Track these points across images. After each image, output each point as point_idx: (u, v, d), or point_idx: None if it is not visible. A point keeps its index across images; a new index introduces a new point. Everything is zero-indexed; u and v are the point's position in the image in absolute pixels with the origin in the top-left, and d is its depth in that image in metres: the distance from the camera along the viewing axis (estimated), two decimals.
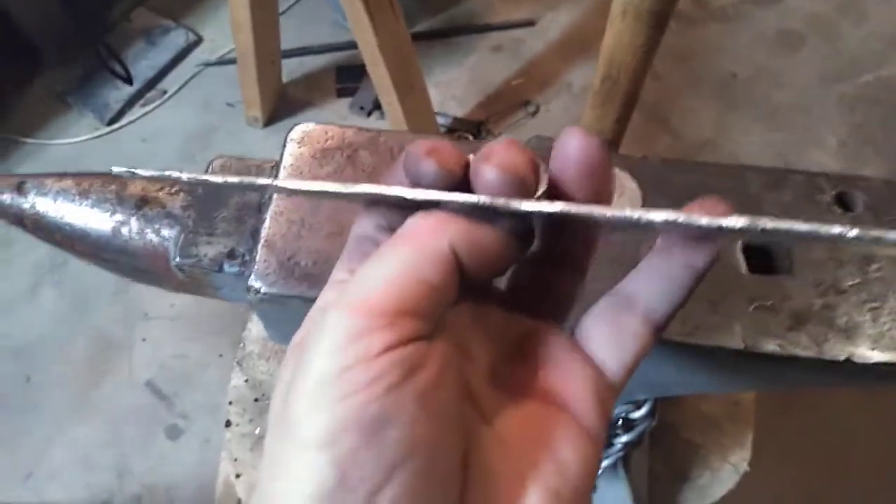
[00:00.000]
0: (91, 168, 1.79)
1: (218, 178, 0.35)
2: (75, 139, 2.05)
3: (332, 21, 2.18)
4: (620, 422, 0.65)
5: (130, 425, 1.71)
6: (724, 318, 0.48)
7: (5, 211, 0.56)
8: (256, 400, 0.84)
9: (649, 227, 0.29)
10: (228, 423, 0.84)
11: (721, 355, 0.48)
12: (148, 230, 0.54)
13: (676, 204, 0.53)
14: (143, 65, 2.12)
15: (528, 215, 0.30)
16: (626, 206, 0.52)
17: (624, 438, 0.65)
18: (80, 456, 1.68)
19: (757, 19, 2.23)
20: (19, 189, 0.56)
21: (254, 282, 0.50)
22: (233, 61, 2.06)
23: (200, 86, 2.15)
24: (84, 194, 0.55)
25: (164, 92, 2.12)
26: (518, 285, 0.37)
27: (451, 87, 2.12)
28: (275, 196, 0.53)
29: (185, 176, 0.35)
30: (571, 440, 0.31)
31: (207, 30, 2.23)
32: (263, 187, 0.35)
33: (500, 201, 0.29)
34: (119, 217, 0.55)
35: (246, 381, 0.86)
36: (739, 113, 2.06)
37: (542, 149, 0.56)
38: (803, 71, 2.13)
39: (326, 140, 0.55)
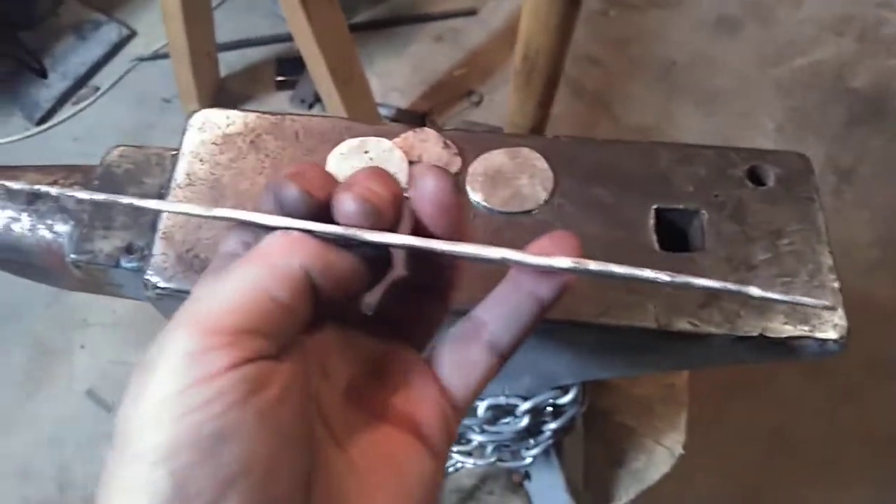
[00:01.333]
0: None
1: (84, 194, 0.33)
2: (3, 140, 1.98)
3: (271, 12, 2.14)
4: (549, 409, 0.64)
5: (72, 436, 1.66)
6: (637, 297, 0.48)
7: None
8: None
9: (491, 262, 0.31)
10: None
11: (635, 335, 0.47)
12: (40, 226, 0.51)
13: (586, 182, 0.52)
14: (74, 61, 2.05)
15: (380, 245, 0.31)
16: (536, 186, 0.51)
17: (553, 425, 0.65)
18: (18, 468, 1.62)
19: (697, 5, 2.25)
20: None
21: (150, 276, 0.47)
22: (168, 56, 2.00)
23: (135, 82, 2.08)
24: None
25: (97, 89, 2.06)
26: (384, 309, 0.38)
27: (393, 78, 2.09)
28: (173, 185, 0.50)
29: (53, 191, 0.33)
30: (416, 459, 0.33)
31: (141, 24, 2.17)
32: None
33: (350, 232, 0.30)
34: (10, 213, 0.52)
35: None
36: (680, 99, 2.08)
37: (470, 134, 0.55)
38: (741, 56, 2.16)
39: (227, 125, 0.53)
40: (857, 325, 0.49)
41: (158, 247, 0.48)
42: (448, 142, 0.53)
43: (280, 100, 2.04)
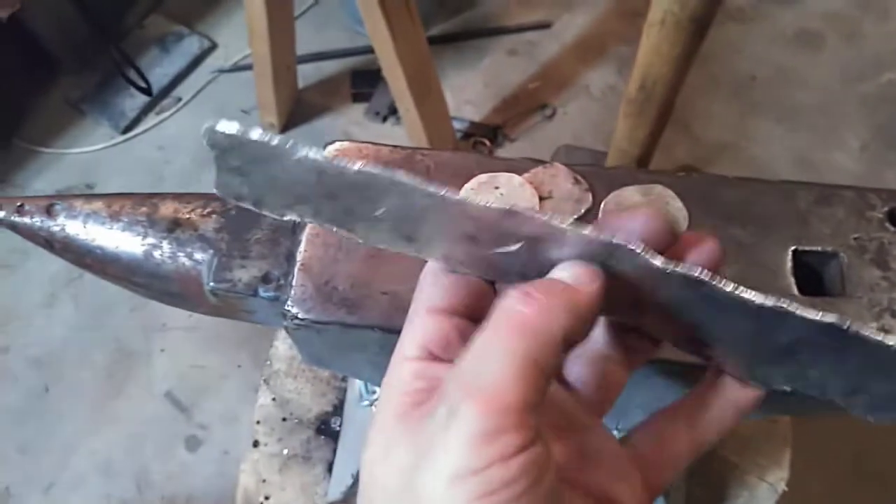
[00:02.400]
0: (108, 177, 1.79)
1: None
2: (91, 148, 2.06)
3: (347, 26, 2.18)
4: None
5: (150, 436, 1.71)
6: None
7: (35, 234, 0.55)
8: (284, 419, 0.83)
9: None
10: (256, 444, 0.83)
11: None
12: (180, 254, 0.53)
13: (722, 222, 0.52)
14: (158, 72, 2.12)
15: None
16: (679, 220, 0.51)
17: None
18: (100, 466, 1.68)
19: (776, 19, 2.20)
20: (49, 211, 0.55)
21: (291, 307, 0.48)
22: (247, 67, 2.06)
23: (215, 93, 2.14)
24: (115, 217, 0.54)
25: (179, 99, 2.12)
26: (584, 380, 0.38)
27: (467, 91, 2.10)
28: None
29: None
30: None
31: (221, 36, 2.23)
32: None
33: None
34: (151, 240, 0.54)
35: (273, 399, 0.84)
36: (760, 115, 2.03)
37: (572, 159, 0.55)
38: (824, 71, 2.10)
39: (361, 158, 0.54)
40: None
41: (298, 278, 0.49)
42: (578, 177, 0.53)
43: (356, 112, 2.07)
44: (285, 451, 0.81)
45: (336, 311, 0.48)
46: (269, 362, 0.86)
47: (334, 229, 0.35)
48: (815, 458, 1.44)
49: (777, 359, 0.33)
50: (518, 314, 0.29)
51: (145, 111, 2.10)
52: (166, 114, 2.10)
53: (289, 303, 0.49)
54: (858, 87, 2.07)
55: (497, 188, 0.52)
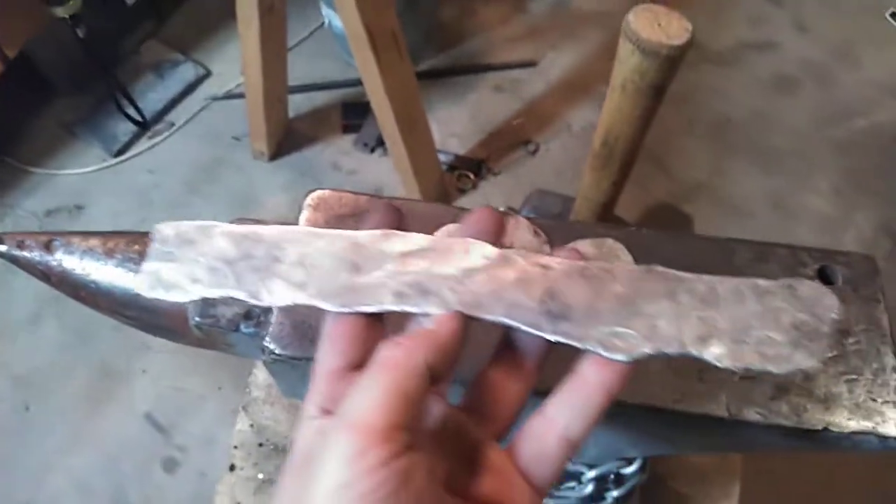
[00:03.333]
0: (98, 199, 1.81)
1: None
2: (82, 170, 2.09)
3: (340, 58, 2.24)
4: (613, 477, 0.68)
5: (128, 456, 1.72)
6: (710, 387, 0.51)
7: (33, 267, 0.59)
8: (261, 445, 0.87)
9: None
10: (233, 468, 0.86)
11: (706, 422, 0.51)
12: None
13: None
14: (152, 97, 2.17)
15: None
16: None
17: (615, 493, 0.68)
18: (78, 485, 1.69)
19: (753, 63, 2.29)
20: (47, 247, 0.59)
21: (269, 343, 0.53)
22: (240, 95, 2.11)
23: (208, 119, 2.19)
24: (109, 253, 0.58)
25: (172, 124, 2.17)
26: (471, 400, 0.43)
27: (452, 124, 2.16)
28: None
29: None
30: None
31: (216, 64, 2.28)
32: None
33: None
34: None
35: (251, 425, 0.88)
36: (734, 156, 2.11)
37: (543, 204, 0.60)
38: (798, 115, 2.18)
39: (340, 206, 0.59)
40: None
41: (277, 317, 0.53)
42: (537, 230, 0.58)
43: (345, 142, 2.12)
44: (260, 476, 0.84)
45: (310, 348, 0.52)
46: (248, 389, 0.89)
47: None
48: (768, 496, 1.49)
49: None
50: (386, 357, 0.35)
51: (138, 135, 2.14)
52: (158, 138, 2.14)
53: (267, 339, 0.53)
54: (831, 131, 2.15)
55: None
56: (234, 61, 2.20)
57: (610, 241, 0.57)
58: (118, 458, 1.72)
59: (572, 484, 0.68)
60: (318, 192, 0.59)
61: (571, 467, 0.65)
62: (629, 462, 0.65)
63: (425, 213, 0.59)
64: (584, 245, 0.57)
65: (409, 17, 2.02)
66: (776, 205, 2.01)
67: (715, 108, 2.20)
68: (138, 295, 0.57)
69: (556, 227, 0.58)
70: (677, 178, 2.06)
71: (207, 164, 2.10)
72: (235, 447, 0.86)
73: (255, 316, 0.56)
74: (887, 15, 2.35)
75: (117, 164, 2.10)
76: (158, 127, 2.16)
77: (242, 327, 0.55)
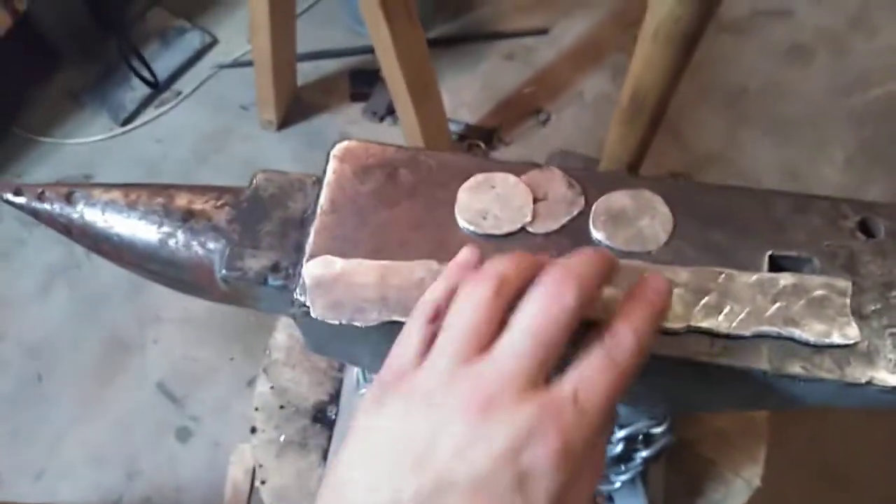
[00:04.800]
0: (106, 168, 1.80)
1: None
2: (90, 139, 2.07)
3: (348, 26, 2.20)
4: (642, 437, 0.67)
5: (141, 426, 1.73)
6: (751, 341, 0.50)
7: (55, 220, 0.58)
8: (282, 407, 0.86)
9: None
10: (254, 430, 0.85)
11: (746, 376, 0.50)
12: (194, 242, 0.56)
13: (704, 226, 0.55)
14: (159, 66, 2.14)
15: None
16: (657, 228, 0.54)
17: (644, 453, 0.67)
18: (90, 455, 1.70)
19: (768, 32, 2.25)
20: (68, 199, 0.57)
21: (299, 296, 0.51)
22: (248, 63, 2.08)
23: (215, 87, 2.17)
24: (132, 205, 0.57)
25: (179, 93, 2.14)
26: None
27: (463, 93, 2.13)
28: (318, 212, 0.55)
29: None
30: None
31: (223, 31, 2.25)
32: None
33: None
34: (166, 229, 0.56)
35: (272, 387, 0.87)
36: (749, 126, 2.08)
37: (565, 163, 0.58)
38: (813, 85, 2.14)
39: (368, 157, 0.57)
40: None
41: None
42: (572, 181, 0.56)
43: (353, 111, 2.10)
44: (282, 438, 0.84)
45: None
46: (268, 352, 0.88)
47: None
48: (788, 463, 1.49)
49: None
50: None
51: (145, 104, 2.12)
52: (166, 107, 2.12)
53: (297, 291, 0.52)
54: (846, 101, 2.11)
55: (493, 187, 0.55)
56: (242, 28, 2.17)
57: (647, 193, 0.55)
58: (131, 428, 1.73)
59: None
60: (345, 143, 0.58)
61: None
62: (659, 422, 0.64)
63: (453, 164, 0.57)
64: (621, 196, 0.55)
65: None
66: (791, 175, 1.99)
67: (729, 77, 2.17)
68: (161, 246, 0.56)
69: (588, 177, 0.57)
70: (691, 148, 2.04)
71: (215, 134, 2.08)
72: (256, 409, 0.85)
73: (283, 269, 0.54)
74: None
75: (125, 133, 2.09)
76: (165, 95, 2.14)
77: (270, 280, 0.54)
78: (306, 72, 2.15)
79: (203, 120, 2.10)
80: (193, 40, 2.21)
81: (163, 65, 2.15)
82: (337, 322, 0.49)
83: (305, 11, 2.25)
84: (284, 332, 0.89)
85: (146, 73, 2.05)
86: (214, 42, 2.24)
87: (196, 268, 0.56)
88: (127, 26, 2.15)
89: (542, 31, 2.25)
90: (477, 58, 2.20)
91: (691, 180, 0.55)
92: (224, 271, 0.54)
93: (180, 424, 1.73)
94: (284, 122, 2.07)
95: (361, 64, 2.15)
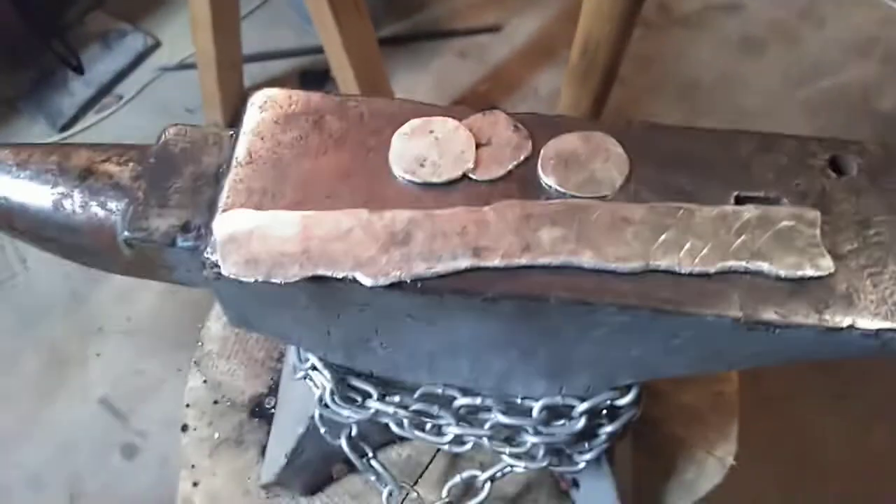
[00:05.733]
0: None
1: None
2: None
3: (296, 25, 2.14)
4: (605, 411, 0.61)
5: (84, 444, 1.63)
6: (721, 285, 0.45)
7: None
8: (216, 402, 0.79)
9: None
10: (185, 428, 0.78)
11: (718, 327, 0.45)
12: (93, 203, 0.49)
13: (663, 168, 0.50)
14: (98, 69, 2.05)
15: None
16: (611, 171, 0.49)
17: (609, 428, 0.62)
18: (29, 477, 1.59)
19: (720, 26, 2.25)
20: None
21: (210, 255, 0.45)
22: (192, 66, 2.00)
23: (159, 91, 2.08)
24: (22, 165, 0.50)
25: (121, 97, 2.05)
26: None
27: (417, 92, 2.09)
28: (234, 163, 0.49)
29: None
30: None
31: (166, 34, 2.17)
32: None
33: None
34: (61, 189, 0.50)
35: (204, 381, 0.80)
36: (704, 118, 2.06)
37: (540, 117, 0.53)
38: (766, 76, 2.15)
39: (290, 105, 0.52)
40: None
41: None
42: (518, 125, 0.51)
43: None
44: (216, 436, 0.77)
45: None
46: (200, 343, 0.81)
47: None
48: (761, 447, 1.46)
49: None
50: None
51: (84, 109, 2.03)
52: (106, 112, 2.03)
53: (208, 250, 0.45)
54: (799, 91, 2.12)
55: (431, 132, 0.50)
56: (185, 31, 2.09)
57: (599, 135, 0.50)
58: (73, 447, 1.63)
59: (562, 421, 0.61)
60: (265, 91, 0.52)
61: (561, 400, 0.59)
62: (623, 393, 0.59)
63: (386, 109, 0.52)
64: (572, 139, 0.50)
65: None
66: None
67: (683, 70, 2.16)
68: (55, 209, 0.49)
69: (536, 121, 0.52)
70: None
71: None
72: (188, 406, 0.78)
73: (193, 228, 0.48)
74: None
75: (63, 139, 1.98)
76: (106, 100, 2.04)
77: (179, 241, 0.48)
78: (254, 73, 2.08)
79: (146, 123, 2.01)
80: (136, 43, 2.13)
81: (103, 68, 2.06)
82: (252, 280, 0.43)
83: (252, 12, 2.19)
84: (219, 322, 0.82)
85: (70, 59, 1.94)
86: (157, 45, 2.16)
87: (95, 231, 0.49)
88: (64, 30, 2.05)
89: (496, 29, 2.22)
90: (430, 56, 2.16)
91: (645, 121, 0.51)
92: (126, 233, 0.48)
93: (126, 441, 1.63)
94: (232, 124, 1.97)
95: (312, 64, 2.10)
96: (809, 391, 1.59)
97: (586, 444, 0.63)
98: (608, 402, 0.60)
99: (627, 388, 0.59)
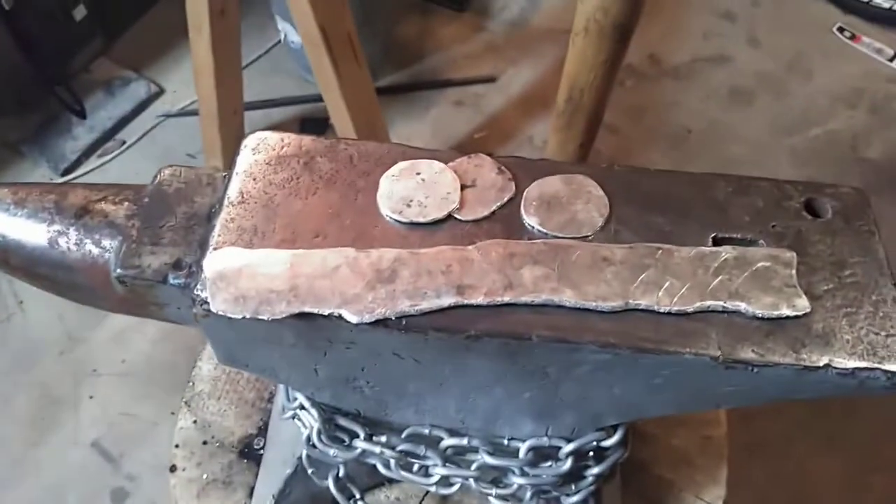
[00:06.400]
0: None
1: None
2: None
3: (296, 74, 2.20)
4: (592, 452, 0.62)
5: (74, 488, 1.61)
6: (699, 325, 0.46)
7: None
8: (205, 442, 0.79)
9: None
10: (174, 468, 0.78)
11: (697, 366, 0.46)
12: (87, 241, 0.50)
13: (643, 210, 0.52)
14: (102, 115, 2.09)
15: None
16: (592, 212, 0.51)
17: (595, 470, 0.62)
18: None
19: (709, 77, 2.30)
20: None
21: (200, 292, 0.46)
22: (194, 113, 2.04)
23: (161, 137, 2.12)
24: (20, 203, 0.51)
25: (123, 142, 2.09)
26: None
27: (413, 140, 2.12)
28: (226, 203, 0.50)
29: None
30: None
31: (169, 82, 2.22)
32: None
33: None
34: (57, 227, 0.51)
35: (194, 422, 0.80)
36: (694, 167, 2.09)
37: (523, 160, 0.55)
38: (755, 126, 2.19)
39: (283, 147, 0.53)
40: None
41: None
42: (502, 167, 0.53)
43: None
44: (204, 476, 0.76)
45: None
46: (191, 383, 0.82)
47: None
48: (753, 493, 1.44)
49: None
50: None
51: (87, 153, 2.06)
52: (108, 157, 2.06)
53: (198, 287, 0.46)
54: (787, 140, 2.16)
55: (418, 174, 0.52)
56: (189, 79, 2.13)
57: (580, 178, 0.52)
58: (63, 491, 1.61)
59: (549, 462, 0.61)
60: (258, 133, 0.54)
61: (547, 441, 0.59)
62: (610, 433, 0.59)
63: (375, 152, 0.54)
64: (554, 181, 0.52)
65: (367, 33, 1.98)
66: None
67: (674, 120, 2.21)
68: (50, 246, 0.50)
69: (520, 164, 0.53)
70: None
71: None
72: (177, 446, 0.78)
73: (185, 266, 0.49)
74: (834, 29, 2.40)
75: (65, 183, 2.01)
76: (109, 145, 2.08)
77: (171, 278, 0.49)
78: (255, 120, 2.12)
79: (147, 168, 2.02)
80: (139, 90, 2.17)
81: (106, 114, 2.10)
82: (240, 316, 0.44)
83: (254, 61, 2.25)
84: (210, 362, 0.83)
85: (73, 104, 1.98)
86: (161, 92, 2.20)
87: (89, 268, 0.50)
88: (68, 78, 2.10)
89: (491, 79, 2.27)
90: (427, 105, 2.21)
91: (626, 165, 0.52)
92: (119, 269, 0.49)
93: (116, 485, 1.61)
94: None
95: (311, 112, 2.14)
96: (801, 433, 1.58)
97: (573, 486, 0.63)
98: (594, 443, 0.60)
99: (613, 429, 0.60)
